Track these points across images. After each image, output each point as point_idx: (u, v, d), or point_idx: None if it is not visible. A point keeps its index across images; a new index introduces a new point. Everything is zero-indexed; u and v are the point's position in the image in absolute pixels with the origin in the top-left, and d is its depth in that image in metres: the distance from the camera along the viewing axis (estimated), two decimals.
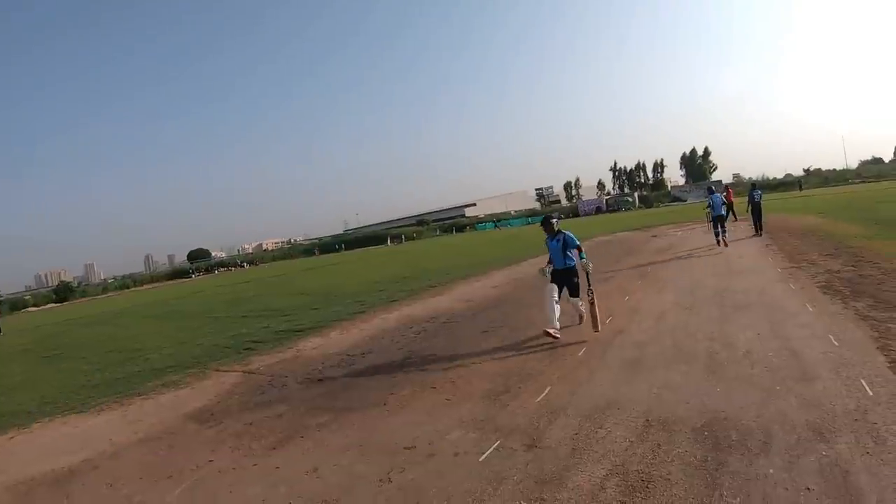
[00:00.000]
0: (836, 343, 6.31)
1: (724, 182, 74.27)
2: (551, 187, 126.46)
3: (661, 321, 8.39)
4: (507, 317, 10.23)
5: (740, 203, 24.83)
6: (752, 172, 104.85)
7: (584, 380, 6.05)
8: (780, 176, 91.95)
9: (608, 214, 75.03)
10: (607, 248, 22.54)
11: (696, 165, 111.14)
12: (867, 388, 4.95)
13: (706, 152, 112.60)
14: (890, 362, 5.46)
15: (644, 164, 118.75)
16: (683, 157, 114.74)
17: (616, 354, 6.88)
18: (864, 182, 66.16)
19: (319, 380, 7.55)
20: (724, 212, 17.65)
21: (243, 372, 8.55)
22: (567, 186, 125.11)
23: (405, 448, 4.78)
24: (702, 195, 67.47)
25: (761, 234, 18.94)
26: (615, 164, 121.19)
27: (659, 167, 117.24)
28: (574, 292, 8.53)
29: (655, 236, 25.16)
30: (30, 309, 61.60)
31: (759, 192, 19.72)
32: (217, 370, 8.91)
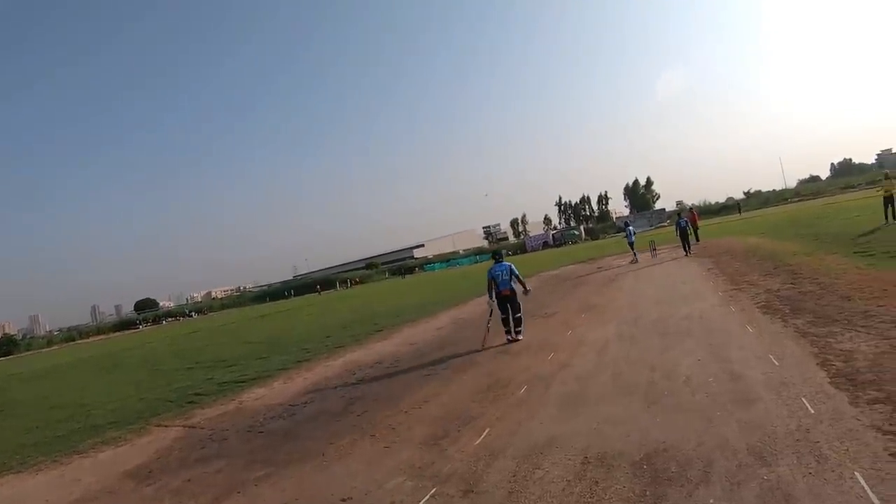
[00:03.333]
0: (776, 363, 6.43)
1: (665, 210, 77.01)
2: (498, 224, 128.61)
3: (603, 353, 8.52)
4: (450, 358, 10.37)
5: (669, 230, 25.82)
6: (694, 199, 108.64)
7: (525, 419, 6.04)
8: (722, 200, 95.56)
9: (555, 249, 76.29)
10: (553, 283, 22.82)
11: (640, 195, 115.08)
12: (808, 407, 4.99)
13: (648, 182, 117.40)
14: (831, 377, 5.56)
15: (589, 198, 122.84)
16: (627, 188, 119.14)
17: (558, 390, 6.94)
18: (802, 200, 69.48)
19: (260, 432, 7.54)
20: (632, 240, 25.44)
21: (184, 426, 8.57)
22: (514, 223, 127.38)
23: (341, 500, 4.76)
24: (645, 224, 69.53)
25: (690, 254, 22.42)
26: (560, 198, 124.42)
27: (603, 199, 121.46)
28: (518, 310, 10.78)
29: (601, 268, 25.62)
30: None
31: (685, 219, 24.40)
32: (158, 425, 8.92)
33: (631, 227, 27.10)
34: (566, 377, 7.49)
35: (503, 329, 10.96)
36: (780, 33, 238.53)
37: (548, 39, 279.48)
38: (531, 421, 5.93)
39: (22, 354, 64.26)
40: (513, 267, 10.96)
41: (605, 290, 17.25)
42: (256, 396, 9.97)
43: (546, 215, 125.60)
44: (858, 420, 4.50)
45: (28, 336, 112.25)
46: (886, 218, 18.68)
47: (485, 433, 5.77)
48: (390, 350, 12.60)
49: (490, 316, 11.14)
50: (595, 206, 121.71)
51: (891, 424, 4.29)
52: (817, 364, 6.04)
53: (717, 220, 58.43)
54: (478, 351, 10.48)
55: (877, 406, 4.68)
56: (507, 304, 10.87)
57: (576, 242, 79.22)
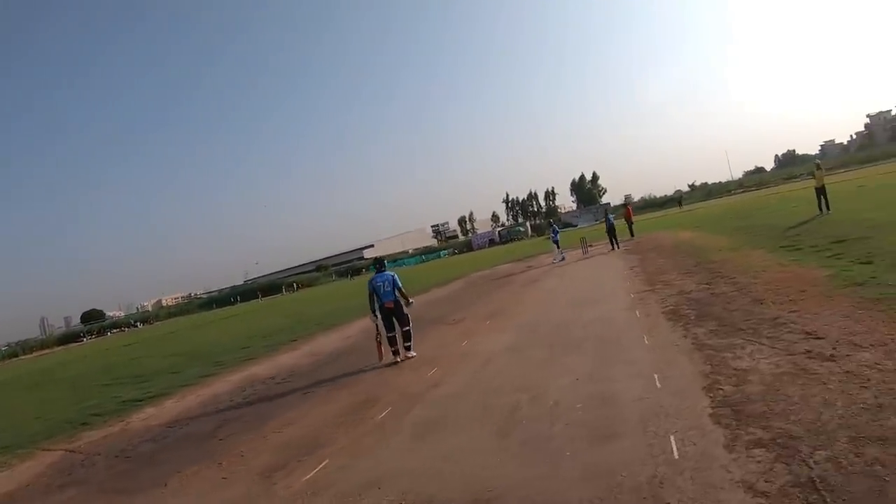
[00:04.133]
0: (658, 385, 5.39)
1: (611, 204, 77.34)
2: (447, 223, 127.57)
3: (484, 368, 7.89)
4: (339, 372, 9.87)
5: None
6: (642, 192, 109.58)
7: (367, 449, 5.55)
8: (670, 193, 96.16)
9: (501, 246, 75.72)
10: (479, 284, 22.08)
11: (586, 190, 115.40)
12: (674, 448, 3.94)
13: (594, 177, 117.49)
14: (714, 407, 4.51)
15: (536, 194, 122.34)
16: (573, 184, 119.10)
17: (419, 414, 6.38)
18: (746, 191, 70.17)
19: (128, 457, 7.30)
20: (557, 238, 25.93)
21: (65, 450, 8.38)
22: (462, 221, 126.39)
23: None
24: (591, 219, 69.80)
25: (618, 248, 23.03)
26: (507, 195, 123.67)
27: (550, 195, 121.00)
28: (405, 323, 9.65)
29: (531, 266, 24.94)
30: None
31: (612, 216, 25.29)
32: (45, 449, 8.70)
33: (556, 227, 27.93)
34: (434, 398, 6.89)
35: (390, 348, 9.72)
36: (729, 28, 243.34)
37: (487, 35, 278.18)
38: (373, 451, 5.44)
39: None
40: (395, 277, 9.80)
41: (523, 291, 16.61)
42: (144, 416, 9.68)
43: (494, 212, 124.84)
44: (728, 472, 3.45)
45: None
46: (820, 209, 18.29)
47: (321, 466, 5.29)
48: (290, 363, 12.15)
49: (378, 331, 9.90)
50: (542, 202, 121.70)
51: (766, 481, 3.24)
52: (704, 388, 4.99)
53: (658, 213, 58.55)
54: (374, 367, 9.59)
55: (756, 452, 3.62)
56: (393, 317, 9.71)
57: (521, 239, 78.83)
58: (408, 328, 9.69)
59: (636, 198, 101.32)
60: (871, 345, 5.00)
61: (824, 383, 4.43)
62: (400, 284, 9.75)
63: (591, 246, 25.81)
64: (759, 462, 3.48)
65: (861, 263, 8.62)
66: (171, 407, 10.06)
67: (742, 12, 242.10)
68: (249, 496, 4.99)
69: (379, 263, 10.21)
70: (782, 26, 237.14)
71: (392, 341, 9.63)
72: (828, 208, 18.08)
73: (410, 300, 9.94)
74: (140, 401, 11.18)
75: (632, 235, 26.57)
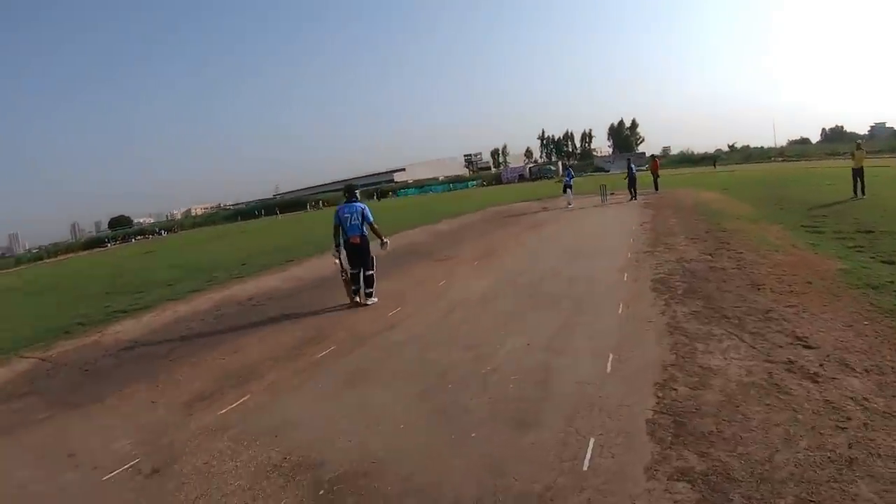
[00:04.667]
0: (609, 369, 4.69)
1: (647, 154, 74.99)
2: (480, 154, 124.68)
3: (445, 317, 7.40)
4: (313, 300, 9.35)
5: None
6: (679, 146, 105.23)
7: (291, 389, 5.39)
8: (711, 151, 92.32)
9: (530, 182, 74.03)
10: (487, 220, 21.26)
11: (624, 137, 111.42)
12: (587, 456, 3.32)
13: (633, 124, 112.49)
14: (655, 412, 3.81)
15: (572, 134, 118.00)
16: (611, 129, 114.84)
17: (356, 360, 6.05)
18: (785, 161, 66.90)
19: (86, 370, 7.27)
20: (570, 182, 24.17)
21: (39, 359, 8.35)
22: (495, 153, 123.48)
23: (69, 455, 4.53)
24: (624, 166, 67.69)
25: (636, 200, 22.16)
26: (543, 132, 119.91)
27: (587, 137, 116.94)
28: (369, 266, 8.58)
29: (546, 208, 23.93)
30: None
31: (635, 166, 24.09)
32: (22, 356, 8.63)
33: (570, 170, 26.52)
34: (379, 343, 6.52)
35: (351, 287, 8.74)
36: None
37: None
38: (295, 392, 5.28)
39: None
40: (367, 209, 8.68)
41: (524, 234, 15.80)
42: (119, 329, 9.46)
43: (528, 148, 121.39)
44: None
45: (6, 254, 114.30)
46: (855, 192, 16.85)
47: (240, 401, 5.18)
48: (273, 286, 11.71)
49: (343, 269, 8.76)
50: (578, 143, 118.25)
51: None
52: (656, 383, 4.25)
53: (690, 170, 56.35)
54: (343, 302, 8.87)
55: (678, 486, 2.93)
56: (357, 255, 8.57)
57: (551, 178, 76.70)
58: (371, 273, 8.67)
59: (674, 151, 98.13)
60: (866, 370, 4.09)
61: (794, 410, 3.60)
62: (371, 219, 8.68)
63: (612, 194, 24.65)
64: (675, 502, 2.77)
65: (883, 262, 7.56)
66: (147, 321, 9.95)
67: None
68: (164, 424, 4.94)
69: (349, 192, 9.02)
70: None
71: (354, 280, 8.69)
72: (863, 192, 16.64)
73: (385, 239, 8.99)
74: (124, 312, 11.06)
75: (656, 189, 25.26)
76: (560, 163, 29.15)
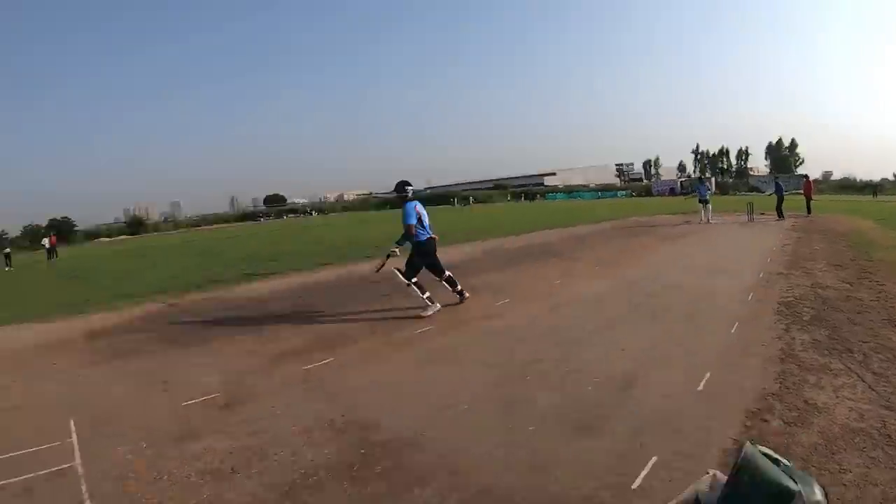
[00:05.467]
0: (701, 387, 4.30)
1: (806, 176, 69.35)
2: (632, 164, 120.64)
3: (551, 312, 7.38)
4: (432, 287, 7.89)
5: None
6: (841, 172, 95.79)
7: (373, 358, 5.65)
8: (876, 179, 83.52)
9: (681, 196, 70.76)
10: (620, 230, 20.39)
11: (782, 157, 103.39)
12: (640, 476, 3.06)
13: (793, 144, 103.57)
14: (736, 442, 3.33)
15: (728, 150, 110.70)
16: (769, 147, 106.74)
17: (447, 340, 6.23)
18: None
19: (206, 320, 8.09)
20: (706, 197, 22.73)
21: (169, 304, 9.53)
22: (647, 164, 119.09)
23: (163, 381, 5.18)
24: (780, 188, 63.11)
25: (783, 220, 20.80)
26: (697, 146, 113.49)
27: (743, 155, 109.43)
28: (439, 272, 7.91)
29: (689, 222, 22.59)
30: (101, 240, 73.82)
31: (783, 185, 23.23)
32: (155, 301, 9.93)
33: (707, 184, 26.22)
34: (476, 328, 6.72)
35: (449, 289, 7.96)
36: None
37: None
38: (376, 361, 5.58)
39: (146, 235, 73.90)
40: (407, 209, 7.48)
41: (656, 244, 15.04)
42: (249, 289, 10.65)
43: (681, 161, 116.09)
44: None
45: (168, 219, 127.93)
46: None
47: (325, 361, 5.57)
48: (399, 267, 11.61)
49: (401, 272, 7.66)
50: (734, 160, 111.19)
51: None
52: (748, 411, 3.81)
53: (847, 197, 51.34)
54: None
55: None
56: (435, 253, 7.73)
57: (696, 195, 73.05)
58: (448, 274, 7.87)
59: (837, 176, 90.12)
60: None
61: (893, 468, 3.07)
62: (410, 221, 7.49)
63: (762, 214, 22.96)
64: None
65: None
66: (275, 285, 10.94)
67: None
68: (252, 370, 5.42)
69: (404, 188, 7.73)
70: None
71: (452, 281, 7.87)
72: None
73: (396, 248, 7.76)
74: (256, 275, 12.48)
75: (808, 212, 23.19)
76: (700, 177, 28.06)
